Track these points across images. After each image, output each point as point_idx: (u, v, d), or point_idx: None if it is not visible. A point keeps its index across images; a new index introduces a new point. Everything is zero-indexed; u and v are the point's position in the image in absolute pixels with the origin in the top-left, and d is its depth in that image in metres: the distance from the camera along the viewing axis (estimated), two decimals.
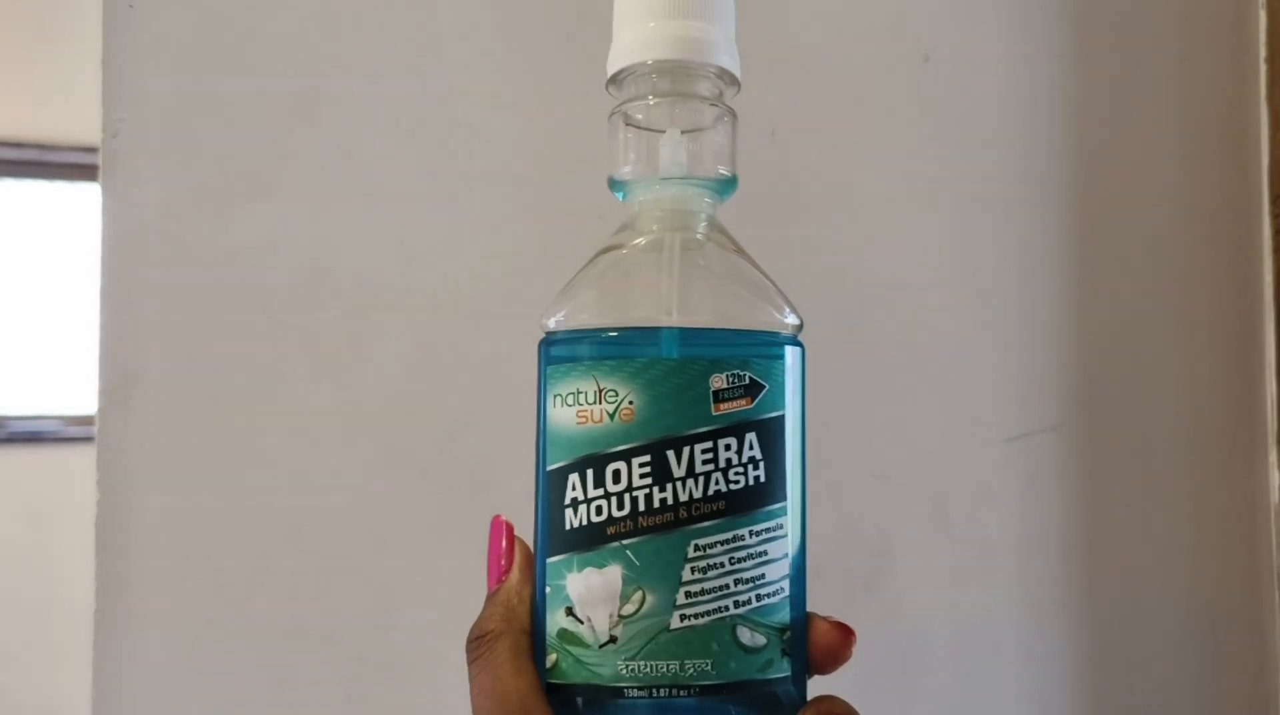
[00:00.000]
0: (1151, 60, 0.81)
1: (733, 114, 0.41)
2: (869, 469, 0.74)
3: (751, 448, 0.38)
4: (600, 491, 0.37)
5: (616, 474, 0.37)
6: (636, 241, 0.41)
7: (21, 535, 2.17)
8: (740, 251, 0.41)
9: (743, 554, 0.37)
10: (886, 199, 0.75)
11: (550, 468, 0.39)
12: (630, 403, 0.37)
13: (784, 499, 0.38)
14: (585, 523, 0.37)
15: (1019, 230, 0.78)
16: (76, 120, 2.14)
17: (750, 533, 0.37)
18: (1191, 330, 0.81)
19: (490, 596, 0.40)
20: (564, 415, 0.38)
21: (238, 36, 0.65)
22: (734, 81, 0.41)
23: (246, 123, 0.64)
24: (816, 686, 0.40)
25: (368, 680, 0.65)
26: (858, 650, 0.39)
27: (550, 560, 0.39)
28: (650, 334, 0.39)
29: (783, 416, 0.38)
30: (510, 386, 0.68)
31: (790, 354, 0.39)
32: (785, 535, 0.38)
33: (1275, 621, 0.81)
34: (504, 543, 0.41)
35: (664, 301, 0.39)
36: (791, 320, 0.40)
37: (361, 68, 0.66)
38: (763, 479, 0.38)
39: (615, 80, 0.41)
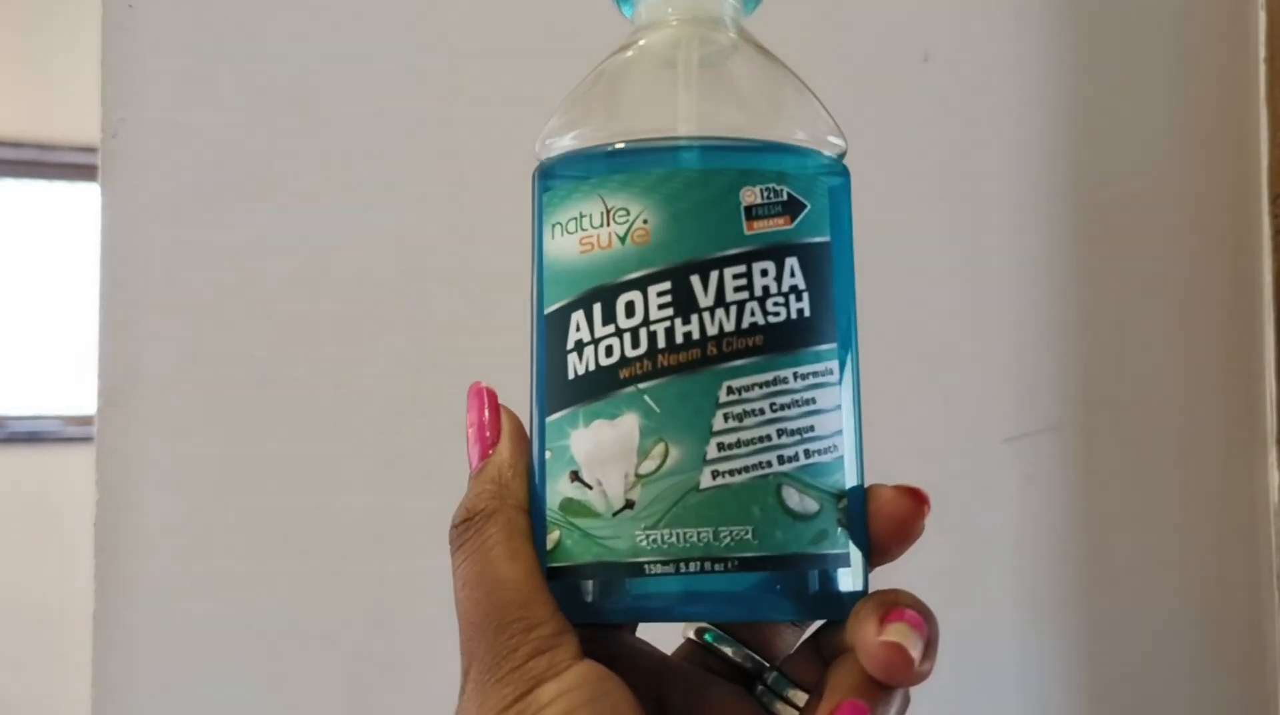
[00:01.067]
0: (1151, 60, 0.81)
1: None
2: (867, 468, 0.74)
3: (793, 275, 0.31)
4: (610, 328, 0.31)
5: (630, 306, 0.31)
6: (642, 42, 0.34)
7: (20, 535, 2.16)
8: (775, 60, 0.34)
9: (786, 400, 0.30)
10: (886, 198, 0.75)
11: (548, 310, 0.32)
12: (645, 222, 0.31)
13: (833, 340, 0.31)
14: (593, 367, 0.31)
15: (1018, 230, 0.78)
16: (76, 120, 2.14)
17: (795, 375, 0.31)
18: (1191, 330, 0.81)
19: (476, 474, 0.33)
20: (564, 246, 0.31)
21: (237, 37, 0.64)
22: None
23: (245, 123, 0.64)
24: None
25: (367, 680, 0.64)
26: None
27: (550, 419, 0.31)
28: (671, 143, 0.32)
29: (828, 244, 0.32)
30: (510, 386, 0.68)
31: (835, 180, 0.32)
32: (836, 383, 0.31)
33: (1274, 621, 0.81)
34: (486, 412, 0.33)
35: (682, 109, 0.32)
36: (836, 142, 0.33)
37: (360, 67, 0.66)
38: (807, 313, 0.31)
39: None
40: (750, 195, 0.31)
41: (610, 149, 0.32)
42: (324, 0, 0.64)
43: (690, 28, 0.33)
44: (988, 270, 0.76)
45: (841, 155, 0.34)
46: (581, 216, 0.32)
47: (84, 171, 2.13)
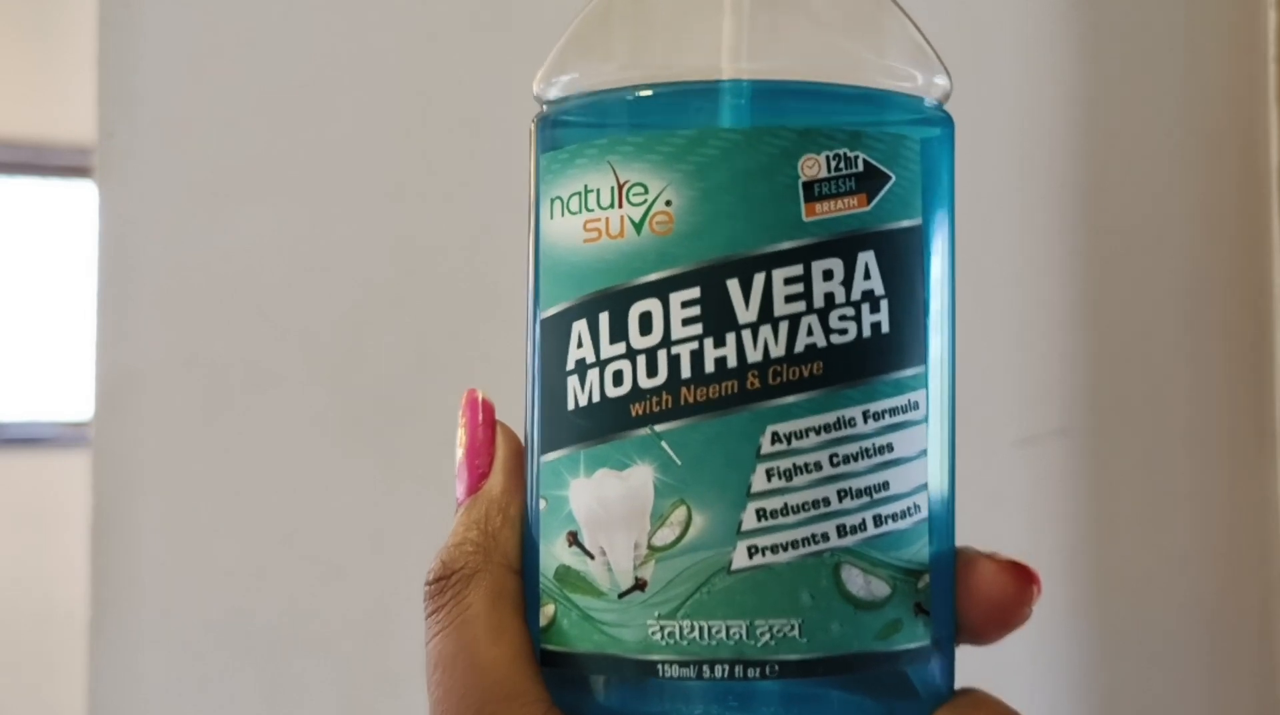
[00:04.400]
0: (1160, 59, 0.80)
1: None
2: None
3: (867, 276, 0.23)
4: (620, 347, 0.24)
5: (645, 319, 0.24)
6: None
7: (16, 541, 2.16)
8: None
9: (852, 449, 0.23)
10: None
11: (545, 314, 0.25)
12: (667, 204, 0.23)
13: (922, 362, 0.24)
14: (598, 398, 0.24)
15: (1027, 230, 0.77)
16: (72, 121, 2.13)
17: (865, 415, 0.23)
18: (1201, 332, 0.80)
19: (461, 513, 0.26)
20: (565, 229, 0.24)
21: (234, 36, 0.64)
22: None
23: (242, 122, 0.64)
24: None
25: (365, 688, 0.64)
26: None
27: (545, 458, 0.25)
28: (701, 92, 0.24)
29: (918, 229, 0.24)
30: (511, 390, 0.67)
31: (934, 132, 0.25)
32: (923, 421, 0.24)
33: None
34: (480, 429, 0.27)
35: (726, 41, 0.24)
36: (939, 80, 0.25)
37: (358, 66, 0.65)
38: (885, 328, 0.24)
39: None
40: (812, 166, 0.23)
41: (622, 98, 0.24)
42: (322, 0, 0.64)
43: None
44: (995, 270, 0.76)
45: (944, 98, 0.26)
46: (587, 191, 0.24)
47: (80, 173, 2.13)
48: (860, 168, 0.23)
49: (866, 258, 0.24)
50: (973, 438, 0.75)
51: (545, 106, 0.26)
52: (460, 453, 0.27)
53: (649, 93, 0.24)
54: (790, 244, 0.23)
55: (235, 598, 0.61)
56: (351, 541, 0.64)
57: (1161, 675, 0.78)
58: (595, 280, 0.24)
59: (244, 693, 0.61)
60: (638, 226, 0.24)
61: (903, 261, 0.24)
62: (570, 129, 0.25)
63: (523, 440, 0.26)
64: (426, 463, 0.64)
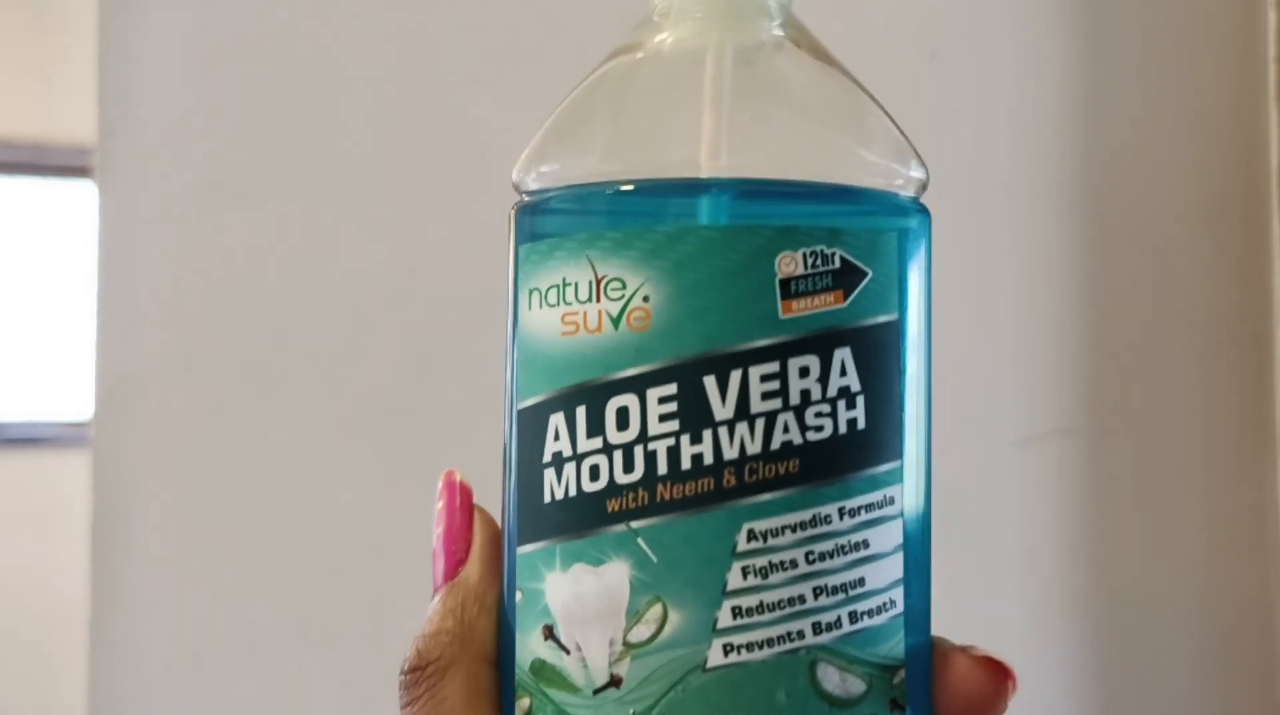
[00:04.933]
0: (1159, 59, 0.80)
1: None
2: None
3: (844, 373, 0.24)
4: (597, 442, 0.24)
5: (623, 414, 0.24)
6: (662, 38, 0.26)
7: (16, 541, 2.16)
8: (831, 62, 0.26)
9: (828, 546, 0.24)
10: None
11: (522, 405, 0.25)
12: (645, 300, 0.24)
13: (897, 457, 0.24)
14: (574, 492, 0.24)
15: (1027, 230, 0.77)
16: (72, 121, 2.13)
17: (841, 512, 0.24)
18: (1201, 332, 0.80)
19: (438, 600, 0.27)
20: (544, 322, 0.25)
21: (235, 36, 0.64)
22: None
23: (242, 123, 0.63)
24: None
25: (365, 688, 0.64)
26: None
27: (522, 550, 0.25)
28: (681, 189, 0.25)
29: (895, 323, 0.24)
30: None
31: (910, 225, 0.25)
32: (898, 516, 0.24)
33: None
34: (458, 514, 0.27)
35: (706, 137, 0.25)
36: (915, 173, 0.26)
37: (359, 68, 0.66)
38: (861, 424, 0.24)
39: None
40: (789, 263, 0.24)
41: (601, 192, 0.25)
42: (322, 0, 0.64)
43: (722, 20, 0.25)
44: (995, 270, 0.75)
45: (921, 190, 0.27)
46: (565, 285, 0.24)
47: (81, 173, 2.13)
48: (837, 264, 0.24)
49: (843, 354, 0.24)
50: (973, 438, 0.75)
51: (525, 195, 0.26)
52: (438, 534, 0.27)
53: (628, 188, 0.25)
54: (766, 341, 0.24)
55: (235, 597, 0.61)
56: (351, 541, 0.64)
57: (1161, 675, 0.78)
58: (573, 373, 0.24)
59: (244, 693, 0.61)
60: (615, 321, 0.24)
61: (879, 357, 0.24)
62: (549, 220, 0.25)
63: (500, 525, 0.26)
64: (426, 463, 0.64)
